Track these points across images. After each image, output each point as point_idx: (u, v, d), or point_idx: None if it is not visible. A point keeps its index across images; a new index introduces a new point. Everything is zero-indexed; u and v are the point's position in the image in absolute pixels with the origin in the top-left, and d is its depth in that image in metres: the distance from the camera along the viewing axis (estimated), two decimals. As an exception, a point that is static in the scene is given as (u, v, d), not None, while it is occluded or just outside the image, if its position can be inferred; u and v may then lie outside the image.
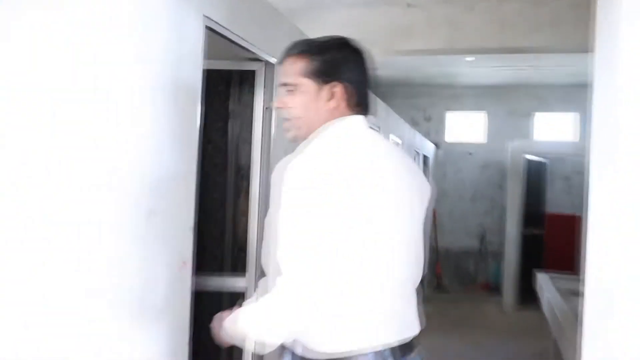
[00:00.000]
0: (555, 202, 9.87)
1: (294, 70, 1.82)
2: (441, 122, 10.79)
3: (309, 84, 1.80)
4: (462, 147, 10.68)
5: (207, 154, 3.12)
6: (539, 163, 9.24)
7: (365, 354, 1.68)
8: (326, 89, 1.79)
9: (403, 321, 1.82)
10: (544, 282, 5.40)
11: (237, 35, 2.64)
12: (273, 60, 3.02)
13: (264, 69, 3.05)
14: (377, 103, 5.97)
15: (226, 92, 3.14)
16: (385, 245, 1.72)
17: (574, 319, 3.88)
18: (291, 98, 1.83)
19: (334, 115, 1.80)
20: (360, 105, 1.84)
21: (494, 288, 9.91)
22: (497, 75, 9.68)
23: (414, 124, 9.55)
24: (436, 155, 10.38)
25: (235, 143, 3.12)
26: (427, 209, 1.92)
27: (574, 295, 5.10)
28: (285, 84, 1.85)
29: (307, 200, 1.63)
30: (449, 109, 10.80)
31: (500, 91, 10.45)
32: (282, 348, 1.76)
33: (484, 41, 6.65)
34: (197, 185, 3.12)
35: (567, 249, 9.06)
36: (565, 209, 9.89)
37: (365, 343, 1.69)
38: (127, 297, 1.96)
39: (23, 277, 1.77)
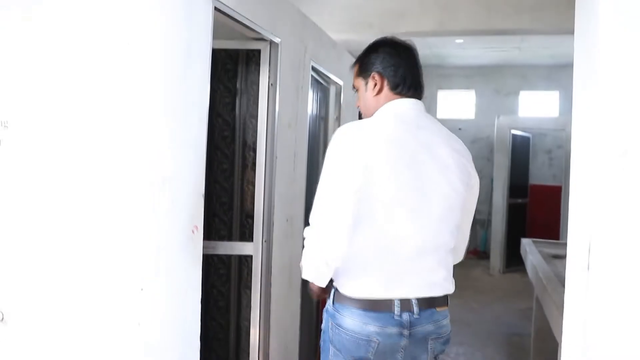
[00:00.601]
0: (537, 174, 9.87)
1: (353, 77, 2.21)
2: (433, 100, 10.73)
3: (360, 83, 2.15)
4: (453, 123, 10.63)
5: (216, 128, 3.10)
6: (524, 137, 9.22)
7: (382, 300, 1.90)
8: (369, 81, 2.09)
9: (423, 276, 1.99)
10: (528, 247, 5.40)
11: (243, 16, 2.60)
12: (277, 39, 2.98)
13: (268, 48, 3.01)
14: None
15: (234, 70, 3.10)
16: (400, 201, 1.90)
17: (556, 279, 3.89)
18: (357, 97, 2.20)
19: (379, 98, 2.08)
20: (400, 86, 2.09)
21: (482, 254, 9.95)
22: (485, 57, 9.62)
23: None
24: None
25: (243, 118, 3.09)
26: (473, 173, 2.19)
27: (556, 258, 5.13)
28: (353, 88, 2.23)
29: (332, 171, 1.89)
30: (440, 88, 10.74)
31: (488, 71, 10.39)
32: (331, 283, 1.98)
33: (473, 24, 6.61)
34: (206, 154, 3.12)
35: (548, 217, 9.10)
36: (547, 181, 9.90)
37: (373, 293, 1.90)
38: (143, 259, 1.95)
39: (38, 242, 1.77)
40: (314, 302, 4.14)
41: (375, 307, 1.90)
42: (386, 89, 2.08)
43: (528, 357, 4.75)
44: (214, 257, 3.13)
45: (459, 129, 10.53)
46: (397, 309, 1.90)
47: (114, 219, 1.85)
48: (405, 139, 1.96)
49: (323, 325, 2.05)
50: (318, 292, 2.08)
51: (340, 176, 1.85)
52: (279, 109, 3.07)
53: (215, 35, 2.35)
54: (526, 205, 9.34)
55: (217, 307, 3.16)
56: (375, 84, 2.08)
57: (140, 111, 1.90)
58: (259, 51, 3.03)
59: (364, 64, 2.14)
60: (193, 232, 2.28)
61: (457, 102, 10.74)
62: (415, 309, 1.93)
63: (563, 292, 3.43)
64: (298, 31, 3.35)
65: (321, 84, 4.11)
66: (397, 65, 2.11)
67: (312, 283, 2.02)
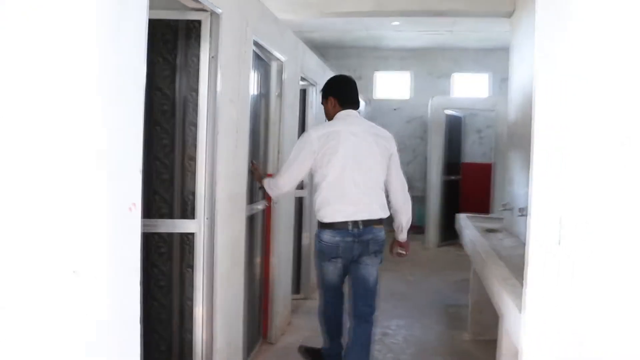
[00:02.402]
0: (469, 153, 9.95)
1: (321, 101, 3.58)
2: (370, 81, 10.64)
3: (323, 102, 3.54)
4: (389, 103, 10.60)
5: (155, 103, 2.87)
6: (456, 117, 9.24)
7: (342, 222, 3.28)
8: (328, 101, 3.49)
9: (365, 209, 3.33)
10: (463, 222, 5.38)
11: (182, -18, 2.38)
12: (218, 10, 2.77)
13: (209, 19, 2.79)
14: (319, 64, 5.77)
15: (173, 42, 2.87)
16: (337, 166, 3.25)
17: (494, 253, 3.85)
18: (325, 112, 3.56)
19: (334, 111, 3.46)
20: (346, 104, 3.46)
21: (418, 229, 9.98)
22: (420, 39, 9.57)
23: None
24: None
25: (183, 92, 2.87)
26: (390, 151, 3.51)
27: (490, 232, 5.12)
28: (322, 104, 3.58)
29: (300, 145, 3.33)
30: (377, 69, 10.65)
31: (422, 53, 10.36)
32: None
33: (409, 4, 6.50)
34: (145, 129, 2.89)
35: (480, 192, 9.19)
36: (477, 159, 9.99)
37: (336, 218, 3.27)
38: (75, 239, 1.73)
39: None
40: (256, 282, 3.99)
41: (337, 227, 3.27)
42: (338, 105, 3.46)
43: (465, 326, 4.74)
44: (154, 236, 2.91)
45: (394, 109, 10.50)
46: (350, 227, 3.28)
47: (42, 196, 1.63)
48: (345, 130, 3.33)
49: (314, 243, 3.47)
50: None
51: (302, 149, 3.30)
52: (220, 83, 2.87)
53: (153, 5, 2.13)
54: (459, 182, 9.39)
55: (159, 287, 2.95)
56: (333, 103, 3.47)
57: (70, 79, 1.67)
58: (199, 22, 2.81)
59: (325, 91, 3.53)
60: (130, 209, 2.07)
61: (394, 83, 10.68)
62: (361, 226, 3.30)
63: (502, 265, 3.36)
64: (239, 3, 3.14)
65: (262, 60, 3.91)
66: (344, 92, 3.50)
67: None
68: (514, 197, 4.76)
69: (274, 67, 4.20)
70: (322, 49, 9.61)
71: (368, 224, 3.31)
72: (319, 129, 3.38)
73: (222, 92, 2.90)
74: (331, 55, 10.03)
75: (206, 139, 2.85)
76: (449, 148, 8.97)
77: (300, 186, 5.29)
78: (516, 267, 3.48)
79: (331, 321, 3.62)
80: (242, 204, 3.36)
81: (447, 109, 8.86)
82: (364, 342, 3.41)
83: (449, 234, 8.75)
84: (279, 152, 4.25)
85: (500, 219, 5.61)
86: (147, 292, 2.94)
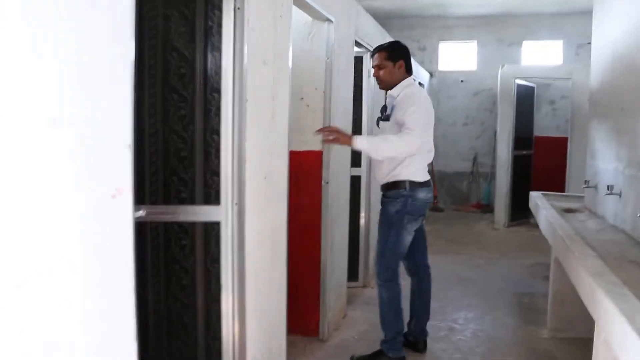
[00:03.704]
0: (541, 126, 9.02)
1: (381, 58, 3.41)
2: (434, 52, 9.82)
3: (388, 64, 3.40)
4: (455, 75, 9.76)
5: (171, 65, 2.31)
6: (528, 88, 8.33)
7: (428, 180, 3.40)
8: (397, 64, 3.40)
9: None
10: (539, 201, 4.63)
11: None
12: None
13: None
14: (378, 29, 5.11)
15: (191, -8, 2.30)
16: (431, 130, 3.40)
17: (578, 237, 3.16)
18: (380, 71, 3.42)
19: (400, 75, 3.41)
20: (410, 70, 3.46)
21: (485, 207, 9.20)
22: (488, 5, 8.67)
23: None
24: (430, 84, 9.48)
25: (203, 51, 2.30)
26: None
27: (568, 212, 4.39)
28: (377, 65, 3.42)
29: (425, 106, 3.34)
30: (442, 39, 9.81)
31: (491, 20, 9.43)
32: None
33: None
34: (160, 97, 2.34)
35: (554, 169, 8.31)
36: (551, 132, 9.07)
37: (426, 176, 3.40)
38: (31, 236, 1.20)
39: None
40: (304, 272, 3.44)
41: (428, 184, 3.39)
42: (403, 70, 3.42)
43: (543, 320, 4.03)
44: (174, 225, 2.38)
45: (461, 81, 9.68)
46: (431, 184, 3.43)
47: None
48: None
49: (397, 207, 3.33)
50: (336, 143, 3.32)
51: (429, 110, 3.36)
52: (249, 40, 2.28)
53: None
54: (531, 157, 8.51)
55: (181, 286, 2.42)
56: (400, 67, 3.40)
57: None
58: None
59: (397, 53, 3.42)
60: (114, 196, 1.53)
61: (459, 54, 9.82)
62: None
63: (593, 255, 2.67)
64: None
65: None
66: (408, 58, 3.46)
67: (359, 145, 3.28)
68: (598, 174, 4.02)
69: (322, 28, 3.58)
70: (384, 19, 8.84)
71: (429, 184, 3.46)
72: (422, 91, 3.51)
73: (252, 52, 2.31)
74: (393, 26, 9.27)
75: (232, 109, 2.27)
76: (519, 121, 8.09)
77: (357, 164, 4.69)
78: (610, 257, 2.80)
79: (400, 307, 3.43)
80: (282, 185, 2.79)
81: (518, 78, 7.96)
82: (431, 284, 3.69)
83: (519, 213, 7.95)
84: (329, 125, 3.63)
85: (579, 198, 4.85)
86: (168, 292, 2.43)
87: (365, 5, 7.20)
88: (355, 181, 4.79)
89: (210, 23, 2.27)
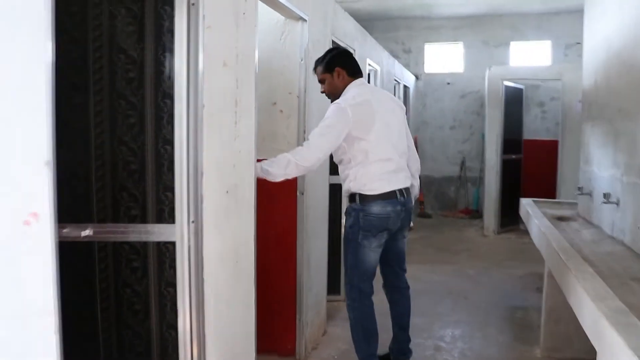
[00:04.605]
0: (530, 129, 8.88)
1: (319, 72, 3.26)
2: (420, 53, 9.67)
3: (327, 76, 3.23)
4: (441, 77, 9.60)
5: (119, 68, 2.10)
6: (516, 89, 8.18)
7: (391, 191, 3.10)
8: (334, 73, 3.20)
9: (404, 176, 3.21)
10: (530, 208, 4.45)
11: None
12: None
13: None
14: (357, 29, 4.92)
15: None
16: (378, 135, 3.08)
17: (574, 251, 2.97)
18: (323, 86, 3.27)
19: (342, 83, 3.21)
20: (355, 73, 3.24)
21: (474, 213, 9.03)
22: (474, 4, 8.55)
23: (394, 57, 8.42)
24: (416, 86, 9.32)
25: (154, 52, 2.09)
26: (404, 114, 3.36)
27: (562, 220, 4.22)
28: (320, 81, 3.28)
29: (334, 115, 3.04)
30: (427, 41, 9.66)
31: (477, 21, 9.30)
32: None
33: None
34: (108, 102, 2.13)
35: (544, 173, 8.16)
36: (540, 135, 8.93)
37: (385, 188, 3.10)
38: None
39: None
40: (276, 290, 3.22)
41: (387, 197, 3.09)
42: (345, 76, 3.21)
43: (537, 338, 3.84)
44: (124, 246, 2.16)
45: (447, 83, 9.54)
46: (398, 196, 3.12)
47: None
48: (373, 98, 3.16)
49: (350, 222, 3.13)
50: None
51: (338, 119, 3.02)
52: (206, 40, 2.07)
53: None
54: (520, 161, 8.35)
55: (133, 312, 2.20)
56: (339, 74, 3.20)
57: None
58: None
59: (328, 63, 3.21)
60: (28, 223, 1.32)
61: (445, 56, 9.67)
62: (405, 194, 3.17)
63: (591, 273, 2.47)
64: None
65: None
66: (349, 61, 3.26)
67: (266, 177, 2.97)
68: (593, 180, 3.85)
69: (295, 27, 3.39)
70: (367, 21, 8.68)
71: (408, 191, 3.23)
72: (347, 100, 3.09)
73: (209, 52, 2.11)
74: (377, 28, 9.11)
75: (187, 116, 2.06)
76: (508, 124, 7.93)
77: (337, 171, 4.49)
78: (611, 275, 2.61)
79: (370, 328, 3.17)
80: (249, 197, 2.58)
81: (506, 79, 7.81)
82: (409, 306, 3.44)
83: (509, 219, 7.79)
84: (305, 131, 3.44)
85: (572, 205, 4.68)
86: (119, 319, 2.21)
87: (347, 7, 7.03)
88: (336, 189, 4.59)
89: (161, 21, 2.07)
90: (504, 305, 4.73)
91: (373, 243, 3.10)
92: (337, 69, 3.17)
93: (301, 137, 3.43)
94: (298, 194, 3.43)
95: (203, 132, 2.10)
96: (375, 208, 3.06)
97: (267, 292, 3.40)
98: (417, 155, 3.46)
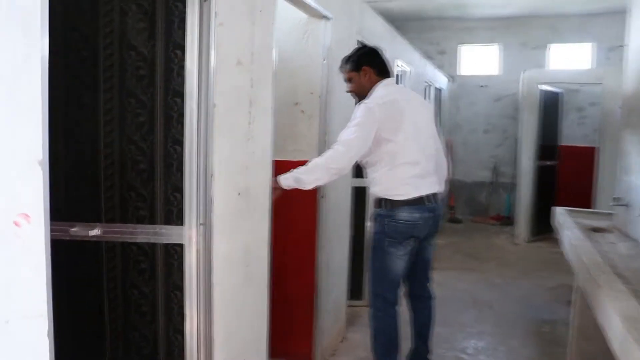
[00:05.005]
0: (567, 134, 8.63)
1: (346, 71, 3.14)
2: (454, 55, 9.51)
3: (354, 74, 3.11)
4: (476, 80, 9.43)
5: (129, 66, 2.08)
6: (553, 94, 7.96)
7: (419, 197, 2.97)
8: (361, 72, 3.09)
9: (432, 181, 3.07)
10: (562, 218, 4.28)
11: None
12: None
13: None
14: (386, 29, 4.84)
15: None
16: (406, 137, 2.95)
17: (607, 267, 2.82)
18: (350, 85, 3.15)
19: (369, 82, 3.08)
20: (383, 72, 3.13)
21: (506, 219, 8.83)
22: (511, 5, 8.34)
23: (428, 58, 8.28)
24: (450, 89, 9.16)
25: (165, 49, 2.06)
26: (433, 116, 3.22)
27: (597, 232, 4.05)
28: (346, 80, 3.15)
29: (362, 115, 2.90)
30: (462, 43, 9.49)
31: (514, 22, 9.08)
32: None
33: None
34: (117, 101, 2.11)
35: (580, 181, 7.93)
36: (577, 141, 8.68)
37: (411, 194, 2.96)
38: None
39: None
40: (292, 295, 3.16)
41: (415, 202, 2.95)
42: (373, 75, 3.09)
43: (564, 354, 3.69)
44: (132, 247, 2.14)
45: (482, 86, 9.36)
46: (425, 201, 2.99)
47: None
48: (400, 98, 3.05)
49: (376, 228, 3.03)
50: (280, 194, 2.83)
51: (366, 119, 2.88)
52: (218, 37, 2.03)
53: None
54: (555, 167, 8.13)
55: (140, 314, 2.18)
56: (367, 73, 3.08)
57: None
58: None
59: (355, 62, 3.10)
60: (18, 224, 1.29)
61: (481, 58, 9.49)
62: (433, 200, 3.03)
63: (624, 292, 2.33)
64: None
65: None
66: (377, 60, 3.14)
67: (286, 185, 2.86)
68: (632, 190, 3.68)
69: (318, 26, 3.33)
70: (401, 21, 8.58)
71: (436, 197, 3.09)
72: (375, 99, 2.99)
73: (222, 50, 2.07)
74: (411, 29, 8.99)
75: (198, 116, 2.03)
76: (544, 129, 7.71)
77: (361, 174, 4.42)
78: (648, 294, 2.46)
79: (392, 340, 3.07)
80: (263, 201, 2.54)
81: (542, 83, 7.60)
82: (434, 316, 3.32)
83: (542, 227, 7.56)
84: (326, 133, 3.38)
85: (609, 215, 4.50)
86: (126, 320, 2.19)
87: (379, 7, 6.94)
88: (361, 192, 4.53)
89: (172, 18, 2.03)
90: (531, 318, 4.59)
91: (400, 250, 2.99)
92: (364, 67, 3.07)
93: (322, 139, 3.36)
94: (319, 197, 3.36)
95: (214, 132, 2.06)
96: (402, 214, 2.95)
97: (284, 296, 3.35)
98: (445, 159, 3.31)
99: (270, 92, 2.54)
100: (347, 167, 2.97)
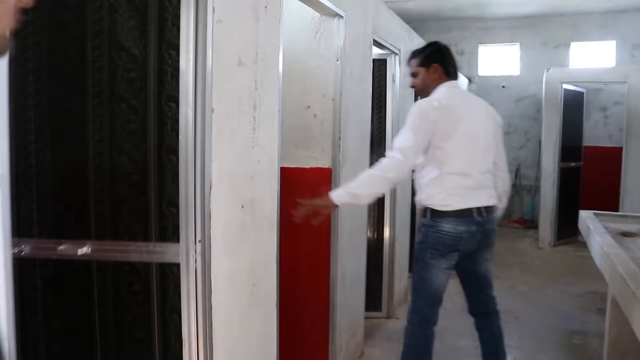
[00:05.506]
0: (590, 135, 8.30)
1: (414, 64, 2.96)
2: (474, 55, 9.22)
3: (421, 70, 2.93)
4: (495, 80, 9.13)
5: (119, 68, 1.87)
6: (577, 93, 7.64)
7: (466, 209, 2.75)
8: (431, 69, 2.90)
9: (486, 194, 2.84)
10: (591, 223, 4.00)
11: None
12: None
13: None
14: (403, 27, 4.60)
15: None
16: (457, 146, 2.74)
17: (637, 269, 2.58)
18: (414, 80, 2.98)
19: (434, 80, 2.90)
20: (452, 74, 2.95)
21: (529, 223, 8.51)
22: (532, 3, 8.04)
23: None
24: (469, 90, 8.88)
25: (157, 49, 1.85)
26: (499, 128, 3.01)
27: (626, 236, 3.78)
28: (412, 74, 2.98)
29: (416, 118, 2.73)
30: (481, 43, 9.20)
31: (535, 21, 8.77)
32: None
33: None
34: (107, 106, 1.90)
35: (606, 182, 7.60)
36: (602, 142, 8.35)
37: (458, 205, 2.74)
38: None
39: None
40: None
41: (461, 215, 2.75)
42: (441, 74, 2.91)
43: (597, 369, 3.43)
44: (124, 266, 1.93)
45: (502, 86, 9.06)
46: (475, 214, 2.77)
47: None
48: (460, 104, 2.86)
49: (419, 238, 2.85)
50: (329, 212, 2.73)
51: (421, 121, 2.72)
52: (216, 35, 1.82)
53: None
54: (580, 169, 7.81)
55: (134, 341, 1.97)
56: (436, 71, 2.90)
57: None
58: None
59: (428, 57, 2.93)
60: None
61: (500, 58, 9.19)
62: (484, 213, 2.81)
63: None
64: None
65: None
66: (448, 59, 2.96)
67: (341, 202, 2.69)
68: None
69: (331, 25, 3.11)
70: (419, 21, 8.32)
71: (489, 211, 2.85)
72: (430, 101, 2.83)
73: (220, 50, 1.85)
74: (429, 29, 8.72)
75: (194, 122, 1.81)
76: (567, 129, 7.40)
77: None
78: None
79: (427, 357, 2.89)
80: (270, 212, 2.32)
81: (565, 82, 7.29)
82: (500, 332, 3.09)
83: (567, 230, 7.26)
84: (340, 139, 3.15)
85: (637, 218, 4.22)
86: (120, 347, 1.98)
87: (396, 7, 6.71)
88: (379, 198, 4.29)
89: (165, 15, 1.82)
90: (559, 329, 4.31)
91: (442, 263, 2.78)
92: (434, 64, 2.90)
93: (336, 144, 3.14)
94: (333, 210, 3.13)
95: (212, 140, 1.84)
96: (447, 226, 2.75)
97: (297, 312, 3.13)
98: (508, 175, 3.09)
99: (277, 95, 2.32)
100: (404, 175, 2.81)
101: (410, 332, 2.86)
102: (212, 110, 1.83)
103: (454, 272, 2.91)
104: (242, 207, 2.07)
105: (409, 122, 2.74)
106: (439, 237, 2.75)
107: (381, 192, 2.82)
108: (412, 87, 3.04)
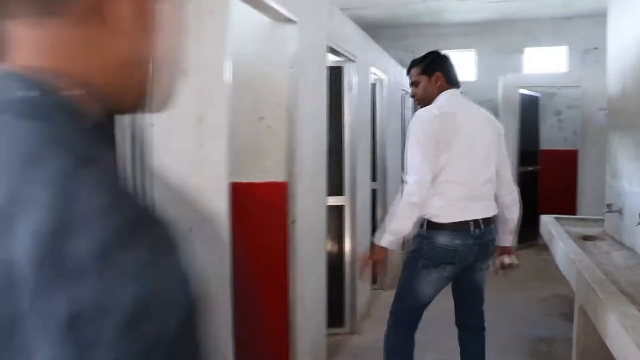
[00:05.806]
0: (547, 139, 8.36)
1: (415, 73, 2.99)
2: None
3: (423, 78, 2.95)
4: (453, 86, 9.13)
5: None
6: (532, 97, 7.69)
7: (462, 222, 2.74)
8: (433, 77, 2.92)
9: (485, 205, 2.84)
10: (553, 227, 4.00)
11: None
12: None
13: None
14: (359, 34, 4.48)
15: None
16: (455, 154, 2.72)
17: (611, 284, 2.52)
18: (415, 89, 2.99)
19: (436, 89, 2.90)
20: (453, 82, 2.97)
21: (489, 227, 8.50)
22: (485, 10, 8.07)
23: (403, 65, 7.95)
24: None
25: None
26: (500, 137, 2.98)
27: (587, 240, 3.78)
28: (412, 83, 3.00)
29: (419, 129, 2.75)
30: (437, 49, 9.18)
31: (488, 27, 8.81)
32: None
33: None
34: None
35: (563, 185, 7.65)
36: (557, 145, 8.43)
37: (454, 217, 2.74)
38: None
39: None
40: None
41: (457, 228, 2.75)
42: (443, 82, 2.93)
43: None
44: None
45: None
46: (471, 227, 2.76)
47: None
48: (460, 112, 2.84)
49: (413, 248, 2.90)
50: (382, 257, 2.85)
51: (425, 133, 2.72)
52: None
53: None
54: (537, 173, 7.83)
55: None
56: (438, 79, 2.92)
57: None
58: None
59: (430, 65, 2.99)
60: None
61: (456, 64, 9.17)
62: (482, 226, 2.79)
63: (632, 312, 2.07)
64: None
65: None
66: (449, 68, 3.01)
67: (388, 244, 2.78)
68: (623, 196, 3.44)
69: (283, 31, 2.95)
70: (375, 29, 8.22)
71: (488, 223, 2.84)
72: (431, 110, 2.83)
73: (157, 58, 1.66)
74: (385, 36, 8.65)
75: (131, 139, 1.61)
76: (524, 134, 7.42)
77: (338, 191, 4.05)
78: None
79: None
80: (222, 231, 2.14)
81: (522, 87, 7.32)
82: (483, 350, 3.18)
83: (527, 234, 7.23)
84: (295, 150, 2.99)
85: (596, 221, 4.22)
86: None
87: (353, 14, 6.60)
88: (338, 210, 4.15)
89: None
90: (526, 336, 4.24)
91: (432, 274, 2.80)
92: (437, 73, 2.93)
93: (291, 156, 2.97)
94: (289, 223, 2.97)
95: (152, 159, 1.66)
96: (442, 239, 2.76)
97: (252, 340, 2.94)
98: (515, 186, 3.13)
99: (225, 106, 2.14)
100: (425, 193, 2.72)
101: (389, 333, 2.92)
102: (152, 125, 1.65)
103: (446, 285, 2.92)
104: (190, 229, 1.89)
105: (412, 136, 2.75)
106: (433, 249, 2.77)
107: (414, 216, 2.74)
108: (413, 96, 3.05)
